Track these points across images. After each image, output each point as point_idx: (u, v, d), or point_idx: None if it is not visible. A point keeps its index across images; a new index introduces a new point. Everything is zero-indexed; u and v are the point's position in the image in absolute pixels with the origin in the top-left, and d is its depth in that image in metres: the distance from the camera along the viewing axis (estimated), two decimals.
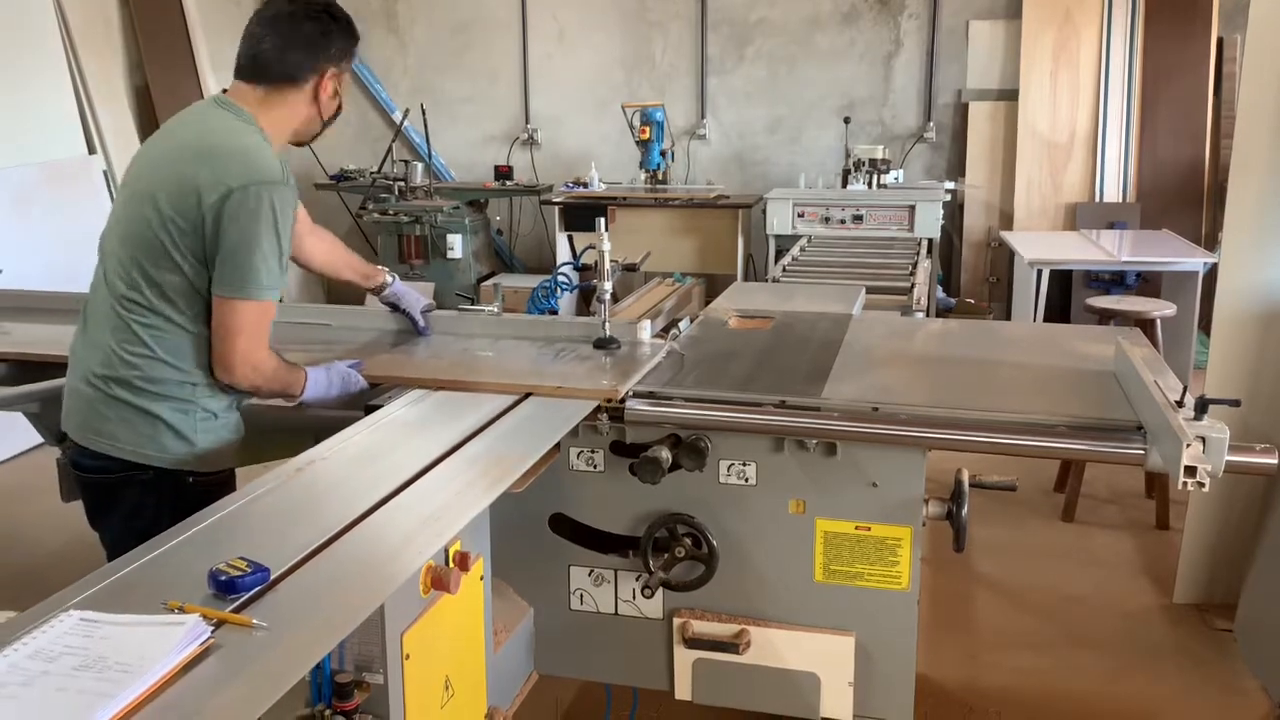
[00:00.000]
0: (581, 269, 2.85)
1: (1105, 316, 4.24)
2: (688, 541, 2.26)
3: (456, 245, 6.52)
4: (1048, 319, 5.47)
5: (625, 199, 6.45)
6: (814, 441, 2.15)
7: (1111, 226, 6.21)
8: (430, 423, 2.11)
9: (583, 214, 6.39)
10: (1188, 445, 1.75)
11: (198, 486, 2.07)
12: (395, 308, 2.75)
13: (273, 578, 1.41)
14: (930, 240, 5.56)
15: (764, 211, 6.18)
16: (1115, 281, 6.00)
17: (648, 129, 6.45)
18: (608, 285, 2.52)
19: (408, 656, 1.62)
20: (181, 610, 1.30)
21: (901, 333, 2.93)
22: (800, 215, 6.03)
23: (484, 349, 2.63)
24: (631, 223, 6.37)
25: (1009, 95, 6.58)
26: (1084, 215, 6.36)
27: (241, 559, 1.40)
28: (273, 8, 2.14)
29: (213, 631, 1.26)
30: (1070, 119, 6.45)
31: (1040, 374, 2.49)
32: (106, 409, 2.07)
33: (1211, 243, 5.89)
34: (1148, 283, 5.93)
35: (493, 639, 2.07)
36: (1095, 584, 3.63)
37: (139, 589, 1.39)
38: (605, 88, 7.20)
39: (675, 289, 3.57)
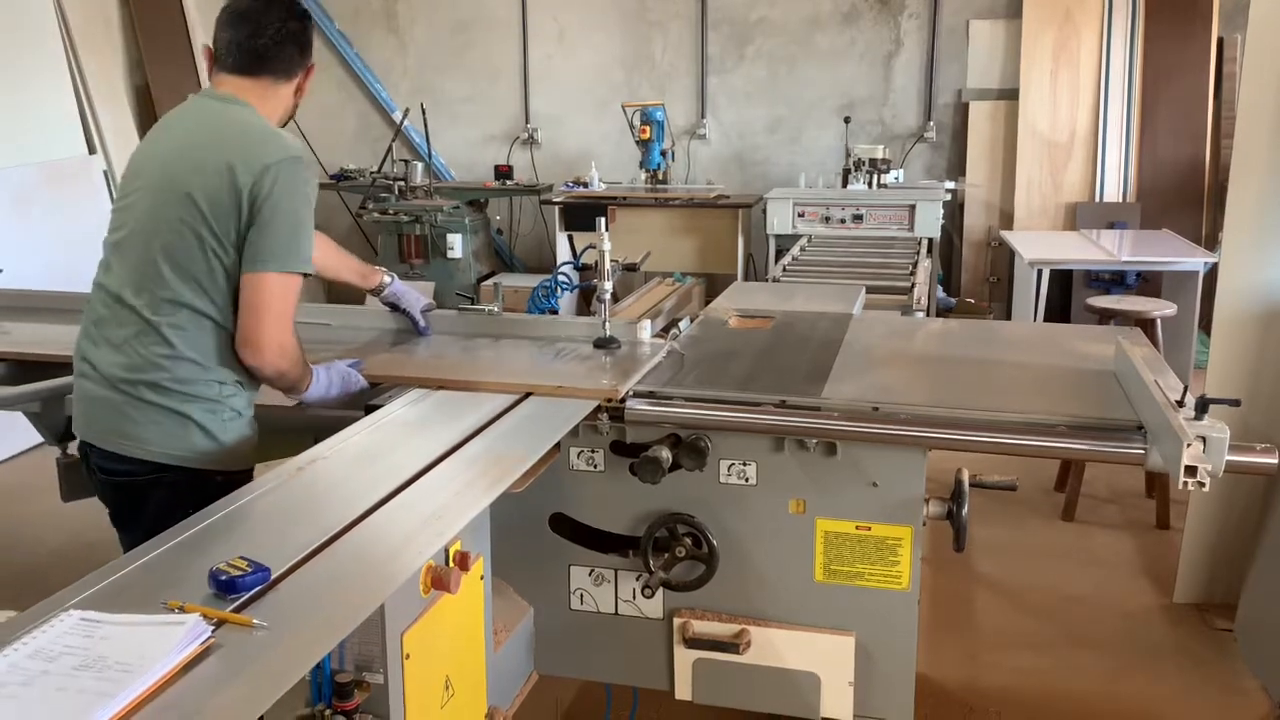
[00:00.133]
0: (582, 269, 2.85)
1: (1105, 316, 4.24)
2: (688, 541, 2.26)
3: (456, 245, 6.51)
4: (1048, 319, 5.47)
5: (625, 199, 6.45)
6: (814, 441, 2.15)
7: (1112, 226, 6.21)
8: (430, 422, 2.11)
9: (583, 214, 6.39)
10: (1188, 445, 1.75)
11: (224, 486, 2.07)
12: (395, 307, 2.75)
13: (273, 577, 1.41)
14: (930, 240, 5.56)
15: (764, 211, 6.18)
16: (1115, 281, 6.00)
17: (648, 129, 6.44)
18: (608, 285, 2.52)
19: (408, 656, 1.62)
20: (182, 610, 1.30)
21: (902, 332, 2.93)
22: (800, 215, 6.03)
23: (484, 349, 2.63)
24: (631, 222, 6.37)
25: (1009, 95, 6.58)
26: (1084, 215, 6.36)
27: (242, 558, 1.40)
28: (251, 1, 2.18)
29: (213, 631, 1.26)
30: (1070, 119, 6.45)
31: (1040, 374, 2.49)
32: (135, 412, 2.07)
33: (1212, 242, 5.89)
34: (1148, 282, 5.93)
35: (493, 639, 2.07)
36: (1095, 584, 3.63)
37: (139, 589, 1.39)
38: (605, 87, 7.20)
39: (675, 289, 3.57)
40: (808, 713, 2.27)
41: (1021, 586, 3.62)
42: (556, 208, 6.53)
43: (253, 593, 1.37)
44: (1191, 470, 1.75)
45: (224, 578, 1.36)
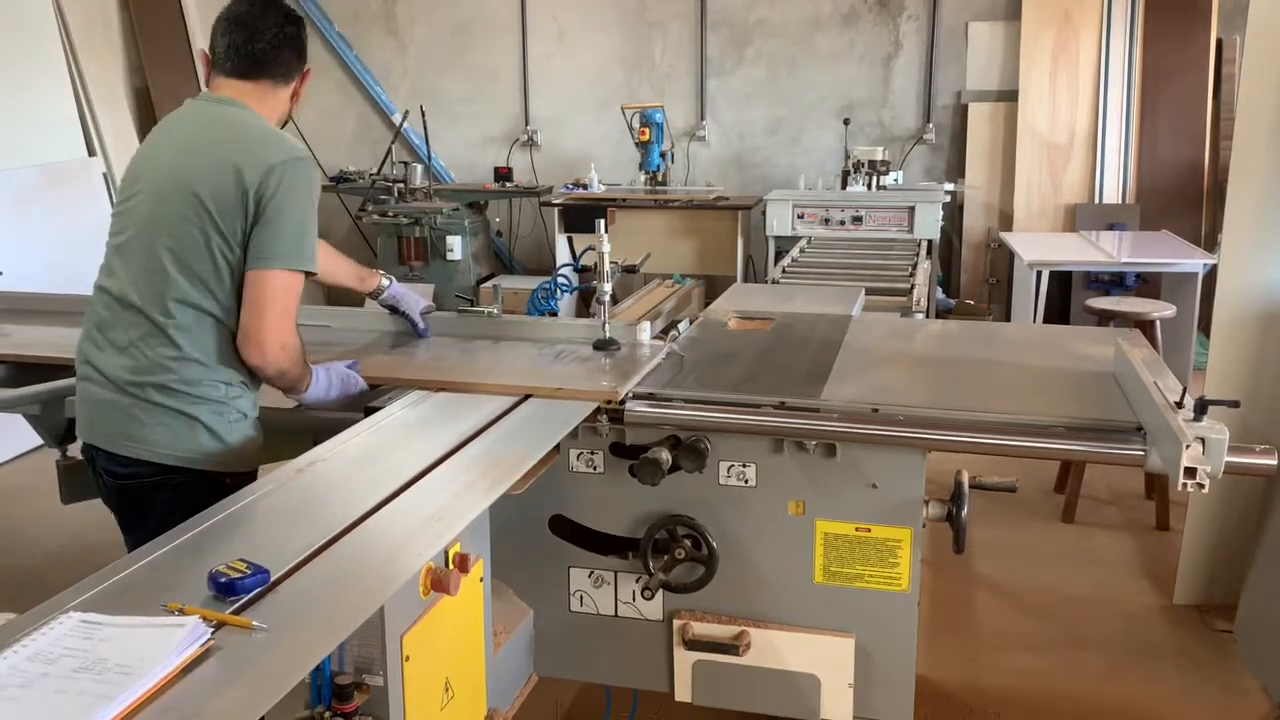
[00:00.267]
0: (581, 270, 2.86)
1: (1105, 318, 4.24)
2: (687, 543, 2.26)
3: (456, 247, 6.52)
4: (1047, 320, 5.47)
5: (625, 200, 6.45)
6: (814, 443, 2.15)
7: (1111, 228, 6.21)
8: (430, 424, 2.11)
9: (582, 216, 6.39)
10: (1187, 446, 1.75)
11: (230, 487, 2.07)
12: (394, 310, 2.75)
13: (272, 579, 1.41)
14: (930, 241, 5.57)
15: (764, 213, 6.19)
16: (1115, 283, 6.00)
17: (647, 130, 6.45)
18: (607, 287, 2.52)
19: (407, 658, 1.62)
20: (181, 612, 1.30)
21: (901, 334, 2.93)
22: (800, 216, 6.04)
23: (484, 350, 2.63)
24: (631, 224, 6.37)
25: (1008, 96, 6.58)
26: (1083, 216, 6.36)
27: (241, 560, 1.40)
28: (248, 6, 2.18)
29: (213, 633, 1.26)
30: (1070, 120, 6.46)
31: (1040, 375, 2.49)
32: (142, 414, 2.07)
33: (1211, 244, 5.89)
34: (1147, 284, 5.93)
35: (493, 641, 2.07)
36: (1095, 585, 3.63)
37: (139, 591, 1.39)
38: (605, 88, 7.20)
39: (675, 290, 3.57)
40: (808, 714, 2.27)
41: (1021, 588, 3.62)
42: (556, 210, 6.53)
43: (252, 595, 1.37)
44: (1191, 471, 1.75)
45: (223, 580, 1.36)
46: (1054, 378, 2.46)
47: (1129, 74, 6.35)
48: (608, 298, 2.53)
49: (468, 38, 7.40)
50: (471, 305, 2.88)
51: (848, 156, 6.30)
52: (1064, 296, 6.24)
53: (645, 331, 2.61)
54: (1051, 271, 5.39)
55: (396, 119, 7.21)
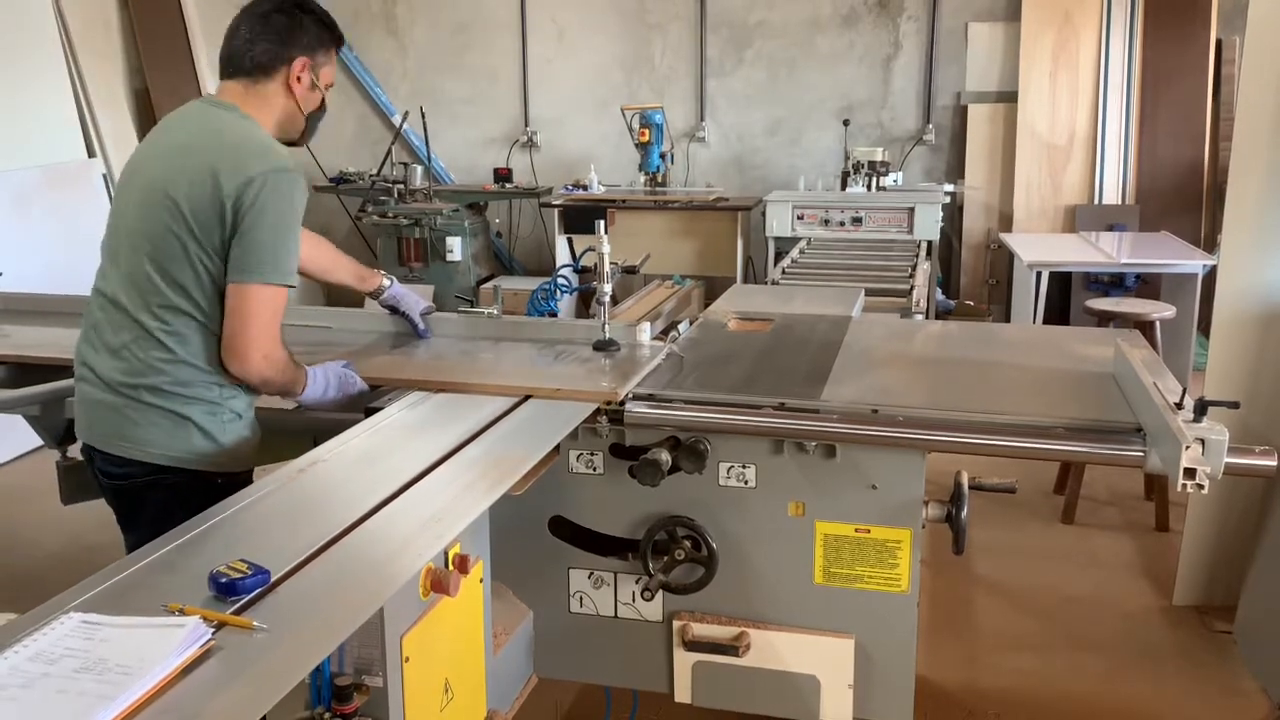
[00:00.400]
0: (581, 271, 2.86)
1: (1104, 318, 4.25)
2: (687, 544, 2.26)
3: (456, 248, 6.52)
4: (1047, 321, 5.48)
5: (625, 201, 6.45)
6: (813, 444, 2.15)
7: (1111, 229, 6.21)
8: (430, 425, 2.11)
9: (582, 216, 6.39)
10: (1187, 447, 1.75)
11: (224, 487, 2.07)
12: (394, 310, 2.75)
13: (272, 580, 1.41)
14: (929, 242, 5.57)
15: (763, 214, 6.19)
16: (1114, 284, 6.00)
17: (647, 131, 6.45)
18: (607, 287, 2.52)
19: (407, 659, 1.62)
20: (182, 612, 1.30)
21: (901, 335, 2.93)
22: (799, 217, 6.04)
23: (484, 351, 2.63)
24: (631, 225, 6.37)
25: (1008, 97, 6.58)
26: (1083, 217, 6.36)
27: (242, 561, 1.40)
28: (249, 5, 2.18)
29: (213, 633, 1.26)
30: (1069, 121, 6.46)
31: (1039, 376, 2.49)
32: (136, 415, 2.07)
33: (1211, 244, 5.90)
34: (1147, 285, 5.93)
35: (492, 642, 2.07)
36: (1095, 586, 3.63)
37: (140, 591, 1.39)
38: (605, 89, 7.21)
39: (675, 291, 3.57)
40: (807, 715, 2.27)
41: (1021, 589, 3.62)
42: (556, 210, 6.53)
43: (252, 595, 1.37)
44: (1190, 472, 1.75)
45: (224, 580, 1.36)
46: (1054, 379, 2.46)
47: (1129, 75, 6.35)
48: (608, 298, 2.53)
49: (468, 38, 7.40)
50: (471, 306, 2.88)
51: (847, 157, 6.30)
52: (1064, 297, 6.24)
53: (645, 332, 2.61)
54: (1051, 272, 5.40)
55: (396, 120, 7.21)
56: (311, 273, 2.61)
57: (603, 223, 2.57)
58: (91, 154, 5.80)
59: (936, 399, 2.24)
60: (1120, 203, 6.40)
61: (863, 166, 6.15)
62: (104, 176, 5.81)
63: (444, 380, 2.35)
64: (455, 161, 7.54)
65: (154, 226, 2.04)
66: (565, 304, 3.69)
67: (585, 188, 6.70)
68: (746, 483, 2.23)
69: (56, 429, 2.69)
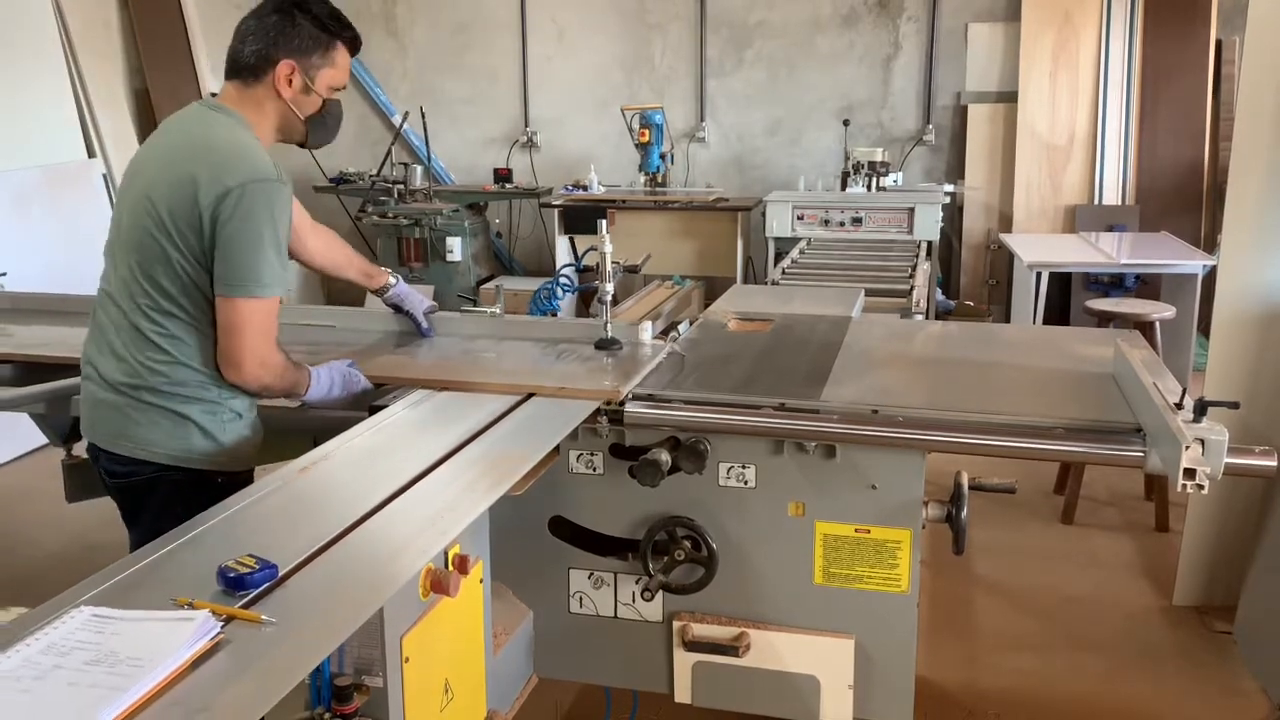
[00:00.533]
0: (583, 270, 2.86)
1: (1104, 319, 4.25)
2: (687, 544, 2.26)
3: (456, 248, 6.51)
4: (1047, 321, 5.48)
5: (625, 202, 6.45)
6: (813, 444, 2.15)
7: (1111, 229, 6.22)
8: (433, 423, 2.11)
9: (582, 217, 6.40)
10: (1187, 447, 1.75)
11: (225, 486, 2.07)
12: (398, 309, 2.76)
13: (280, 575, 1.42)
14: (929, 243, 5.57)
15: (763, 214, 6.19)
16: (1114, 284, 6.00)
17: (647, 132, 6.45)
18: (609, 287, 2.52)
19: (407, 660, 1.62)
20: (191, 606, 1.31)
21: (901, 335, 2.94)
22: (799, 218, 6.04)
23: (486, 350, 2.64)
24: (631, 225, 6.37)
25: (1008, 97, 6.58)
26: (1083, 217, 6.36)
27: (250, 556, 1.41)
28: (257, 5, 2.16)
29: (222, 627, 1.27)
30: (1069, 121, 6.46)
31: (1039, 376, 2.49)
32: (138, 414, 2.08)
33: (1210, 245, 5.90)
34: (1147, 285, 5.93)
35: (492, 642, 2.07)
36: (1095, 586, 3.63)
37: (147, 586, 1.41)
38: (605, 89, 7.21)
39: (675, 292, 3.57)
40: (807, 716, 2.27)
41: (1021, 589, 3.62)
42: (556, 211, 6.53)
43: (260, 590, 1.38)
44: (1190, 473, 1.75)
45: (232, 575, 1.37)
46: (1053, 379, 2.46)
47: (1129, 75, 6.35)
48: (609, 297, 2.54)
49: (467, 39, 7.40)
50: (474, 305, 2.88)
51: (847, 158, 6.30)
52: (1064, 298, 6.24)
53: (647, 331, 2.61)
54: (1051, 273, 5.40)
55: (396, 120, 7.21)
56: (324, 268, 2.63)
57: (605, 222, 2.57)
58: (91, 154, 5.80)
59: (936, 399, 2.24)
60: (1120, 203, 6.40)
61: (863, 167, 6.15)
62: (104, 176, 5.81)
63: (447, 379, 2.35)
64: (455, 162, 7.54)
65: (140, 233, 2.04)
66: (565, 304, 3.68)
67: (585, 188, 6.69)
68: (746, 483, 2.23)
69: (61, 427, 2.71)
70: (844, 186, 6.21)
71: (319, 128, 2.23)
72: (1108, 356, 2.46)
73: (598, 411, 2.21)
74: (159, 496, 2.11)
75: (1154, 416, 1.94)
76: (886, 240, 5.76)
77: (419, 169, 6.73)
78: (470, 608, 1.88)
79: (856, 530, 2.19)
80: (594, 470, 2.31)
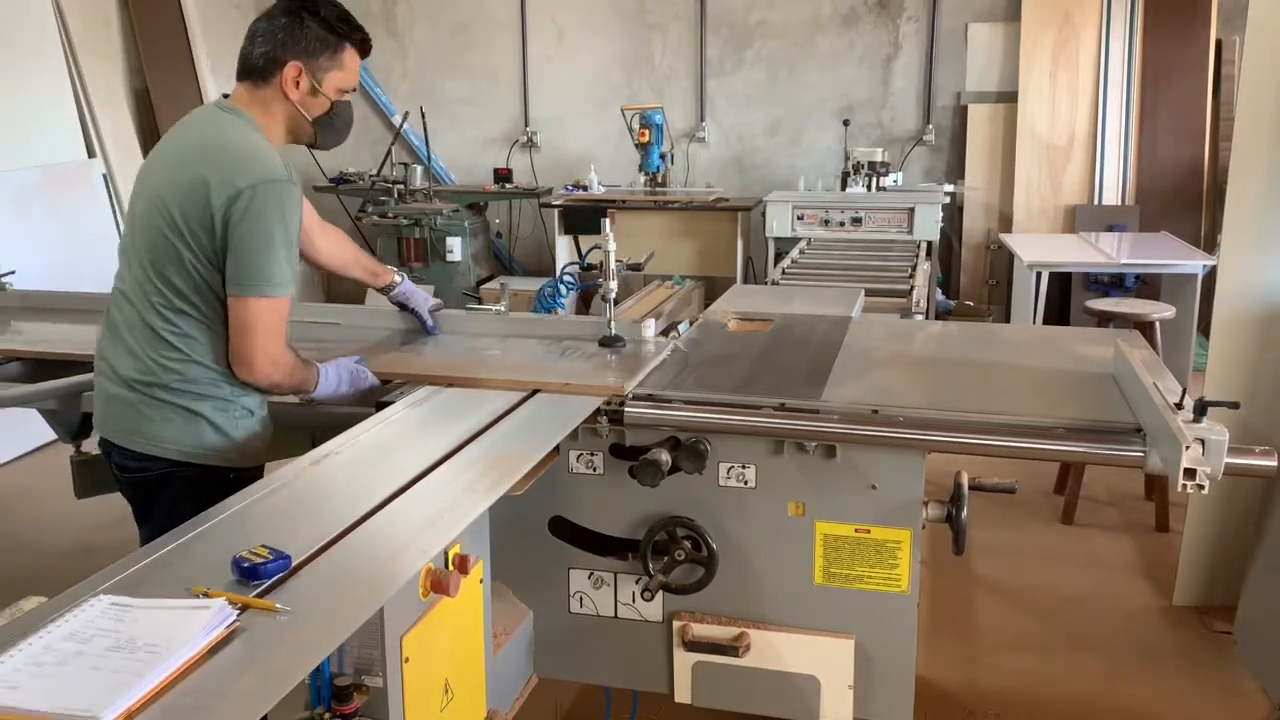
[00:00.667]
0: (587, 268, 2.87)
1: (1104, 319, 4.25)
2: (687, 544, 2.26)
3: (456, 248, 6.51)
4: (1047, 321, 5.48)
5: (625, 202, 6.45)
6: (813, 444, 2.15)
7: (1110, 229, 6.22)
8: (440, 418, 2.13)
9: (582, 217, 6.40)
10: (1187, 447, 1.75)
11: (235, 481, 2.09)
12: (404, 307, 2.77)
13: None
14: (929, 243, 5.57)
15: (763, 214, 6.19)
16: (1114, 284, 6.00)
17: (647, 132, 6.45)
18: (613, 284, 2.54)
19: (407, 660, 1.62)
20: (206, 595, 1.34)
21: (901, 335, 2.94)
22: (799, 218, 6.04)
23: (491, 347, 2.65)
24: (631, 225, 6.37)
25: (1008, 97, 6.58)
26: (1083, 217, 6.36)
27: (263, 546, 1.44)
28: (270, 6, 2.17)
29: (238, 615, 1.30)
30: (1069, 121, 6.46)
31: (1039, 376, 2.49)
32: (151, 411, 2.10)
33: (1210, 245, 5.90)
34: (1147, 285, 5.93)
35: (492, 642, 2.07)
36: (1095, 586, 3.63)
37: (162, 577, 1.43)
38: (605, 89, 7.21)
39: (675, 292, 3.57)
40: (807, 716, 2.27)
41: (1021, 589, 3.62)
42: (556, 211, 6.53)
43: (274, 580, 1.40)
44: (1190, 473, 1.75)
45: (246, 565, 1.40)
46: (1053, 379, 2.46)
47: (1129, 75, 6.35)
48: (613, 295, 2.55)
49: (468, 38, 7.40)
50: (480, 303, 2.89)
51: (847, 158, 6.30)
52: (1064, 298, 6.24)
53: (650, 328, 2.63)
54: (1051, 273, 5.40)
55: (396, 120, 7.21)
56: (332, 267, 2.64)
57: (608, 221, 2.59)
58: (91, 154, 5.80)
59: (936, 399, 2.24)
60: (1120, 203, 6.40)
61: (863, 167, 6.15)
62: (104, 176, 5.81)
63: (453, 375, 2.37)
64: (455, 161, 7.54)
65: (153, 232, 2.07)
66: (566, 303, 3.69)
67: (585, 188, 6.69)
68: (746, 483, 2.23)
69: (71, 423, 2.74)
70: (844, 186, 6.21)
71: (328, 129, 2.25)
72: (1108, 356, 2.46)
73: (598, 411, 2.21)
74: (171, 492, 2.13)
75: (1154, 416, 1.94)
76: (886, 240, 5.76)
77: (419, 169, 6.74)
78: (470, 608, 1.88)
79: (856, 530, 2.19)
80: (594, 470, 2.31)
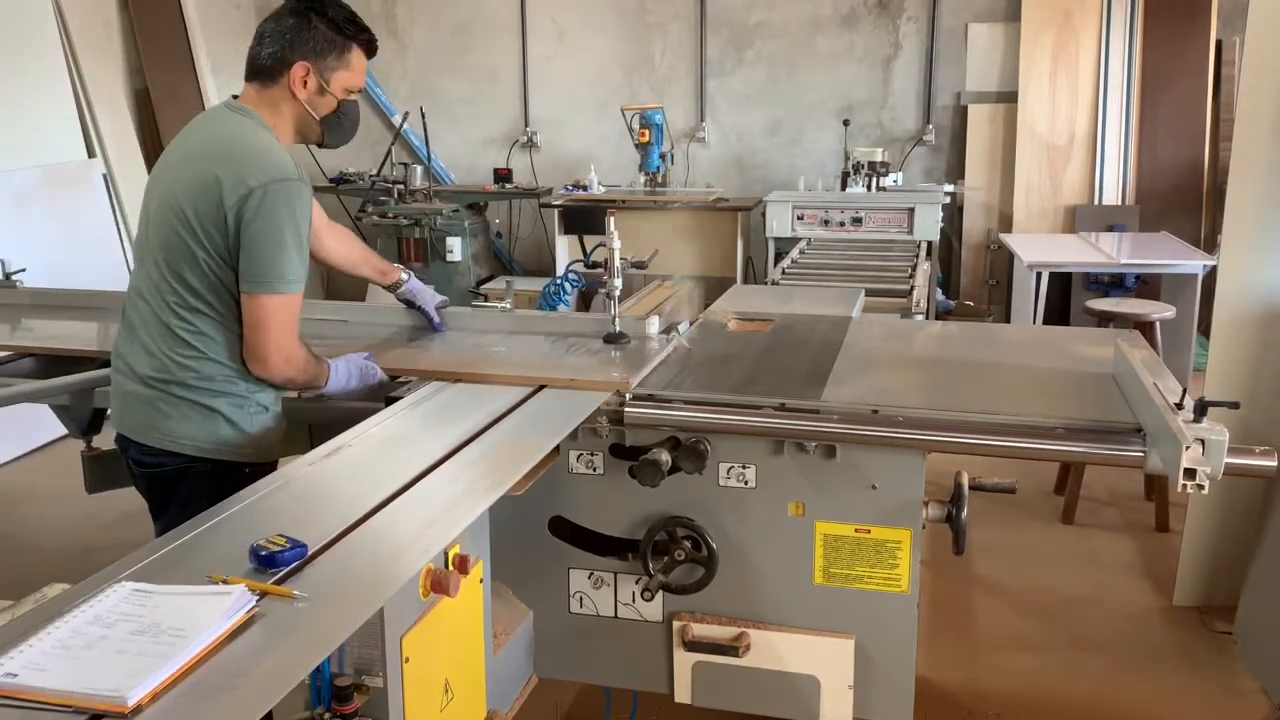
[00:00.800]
0: (592, 266, 2.88)
1: (1104, 319, 4.25)
2: (687, 544, 2.26)
3: (456, 248, 6.51)
4: (1047, 321, 5.48)
5: (625, 202, 6.45)
6: (813, 444, 2.15)
7: (1111, 229, 6.22)
8: (449, 413, 2.15)
9: (582, 217, 6.41)
10: (1187, 448, 1.75)
11: (250, 476, 2.09)
12: (411, 304, 2.79)
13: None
14: (929, 243, 5.57)
15: (763, 214, 6.19)
16: (1114, 284, 6.00)
17: (647, 132, 6.44)
18: (618, 282, 2.56)
19: (407, 660, 1.62)
20: (225, 582, 1.37)
21: (901, 335, 2.94)
22: (799, 218, 6.04)
23: (497, 344, 2.67)
24: (631, 226, 6.35)
25: (1008, 97, 6.58)
26: (1083, 218, 6.36)
27: (280, 535, 1.47)
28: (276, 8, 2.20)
29: (257, 601, 1.33)
30: (1069, 121, 6.46)
31: (1039, 376, 2.49)
32: (168, 407, 2.13)
33: (1210, 245, 5.90)
34: (1147, 285, 5.93)
35: (492, 642, 2.07)
36: (1095, 586, 3.63)
37: (181, 566, 1.46)
38: (605, 89, 7.21)
39: (674, 292, 3.57)
40: (807, 716, 2.27)
41: (1021, 589, 3.62)
42: (556, 211, 6.53)
43: (290, 568, 1.43)
44: (1190, 473, 1.75)
45: (264, 553, 1.44)
46: (1053, 379, 2.46)
47: (1129, 75, 6.35)
48: (618, 292, 2.57)
49: (468, 38, 7.40)
50: (485, 300, 2.92)
51: (847, 158, 6.30)
52: (1064, 298, 6.24)
53: (654, 325, 2.64)
54: (1051, 273, 5.40)
55: (396, 120, 7.21)
56: (341, 266, 2.67)
57: (612, 219, 2.60)
58: (91, 154, 5.80)
59: (936, 399, 2.24)
60: (1120, 203, 6.40)
61: (863, 167, 6.15)
62: (104, 176, 5.81)
63: (460, 371, 2.39)
64: (455, 162, 7.54)
65: (166, 232, 2.09)
66: (570, 301, 3.70)
67: (585, 188, 6.69)
68: (746, 483, 2.23)
69: (82, 419, 2.78)
70: (844, 186, 6.21)
71: (335, 128, 2.27)
72: (1108, 356, 2.46)
73: (598, 411, 2.21)
74: (187, 486, 2.15)
75: (1154, 416, 1.94)
76: (886, 240, 5.76)
77: (419, 169, 6.73)
78: (470, 608, 1.88)
79: (856, 530, 2.19)
80: (594, 470, 2.31)
